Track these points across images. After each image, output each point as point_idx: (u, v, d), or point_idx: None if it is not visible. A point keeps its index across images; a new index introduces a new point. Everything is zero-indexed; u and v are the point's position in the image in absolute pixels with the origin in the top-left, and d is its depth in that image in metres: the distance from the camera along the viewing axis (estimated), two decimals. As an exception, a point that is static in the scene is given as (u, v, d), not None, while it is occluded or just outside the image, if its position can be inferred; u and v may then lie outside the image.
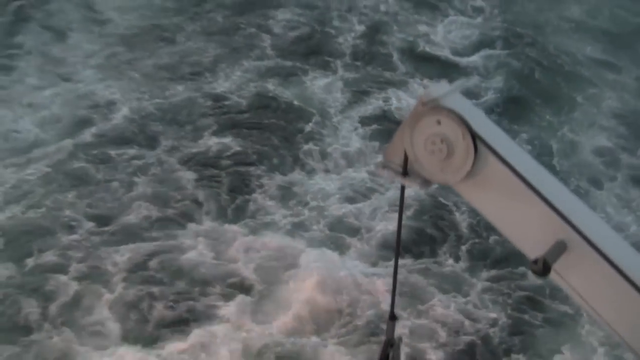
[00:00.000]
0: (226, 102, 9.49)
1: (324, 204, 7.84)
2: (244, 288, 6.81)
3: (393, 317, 3.04)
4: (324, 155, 8.64)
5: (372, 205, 7.92)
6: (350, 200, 7.98)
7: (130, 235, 7.27)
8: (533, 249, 2.39)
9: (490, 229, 7.11)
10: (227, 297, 6.69)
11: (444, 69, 10.96)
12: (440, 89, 2.55)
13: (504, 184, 2.44)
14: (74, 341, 6.19)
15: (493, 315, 6.68)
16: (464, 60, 11.25)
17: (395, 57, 11.20)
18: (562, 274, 2.39)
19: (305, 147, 8.77)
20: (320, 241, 7.43)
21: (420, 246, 7.46)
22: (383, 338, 3.02)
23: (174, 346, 6.24)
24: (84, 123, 8.87)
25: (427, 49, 11.63)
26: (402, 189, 2.76)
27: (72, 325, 6.32)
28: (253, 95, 9.68)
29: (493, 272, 7.20)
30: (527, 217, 2.43)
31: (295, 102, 9.67)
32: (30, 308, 6.44)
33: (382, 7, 12.92)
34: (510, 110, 10.04)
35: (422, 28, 12.34)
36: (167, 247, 7.19)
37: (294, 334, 6.41)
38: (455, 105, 2.46)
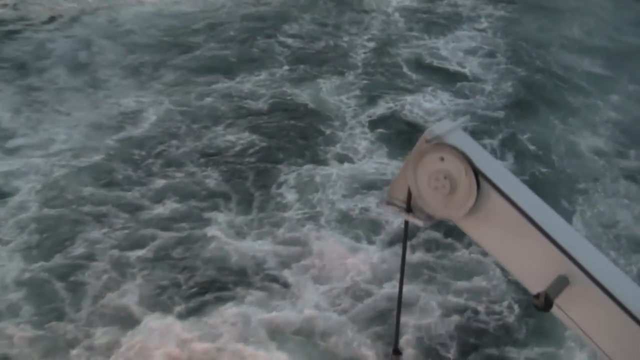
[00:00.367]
0: (245, 105, 10.11)
1: (338, 194, 8.37)
2: (266, 275, 7.21)
3: (397, 352, 3.08)
4: (338, 151, 9.23)
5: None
6: (363, 190, 8.53)
7: (158, 226, 7.75)
8: (535, 284, 2.41)
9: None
10: (250, 283, 7.09)
11: (451, 77, 11.64)
12: (443, 126, 2.59)
13: (506, 220, 2.46)
14: (103, 324, 6.55)
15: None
16: (470, 71, 11.93)
17: (404, 68, 11.88)
18: (564, 309, 2.40)
19: (321, 144, 9.35)
20: (339, 230, 7.87)
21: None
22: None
23: (201, 324, 6.57)
24: (113, 125, 9.48)
25: (435, 61, 12.31)
26: (406, 224, 2.77)
27: (102, 309, 6.70)
28: (270, 98, 10.32)
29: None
30: (529, 252, 2.45)
31: (311, 105, 10.30)
32: (63, 293, 6.83)
33: (391, 27, 13.68)
34: (515, 112, 10.66)
35: (430, 44, 13.06)
36: (193, 236, 7.64)
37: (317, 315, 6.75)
38: (457, 142, 2.50)
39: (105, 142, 9.07)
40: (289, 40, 12.40)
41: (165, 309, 6.71)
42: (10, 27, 12.21)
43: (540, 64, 12.69)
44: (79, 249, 7.36)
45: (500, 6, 15.09)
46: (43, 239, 7.47)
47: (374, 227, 7.91)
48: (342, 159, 9.13)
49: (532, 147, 9.83)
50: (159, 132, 9.41)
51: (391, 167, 8.97)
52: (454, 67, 12.12)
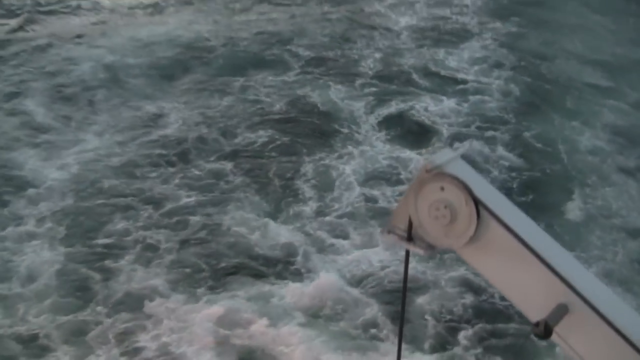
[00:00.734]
0: (262, 107, 10.75)
1: (354, 184, 8.92)
2: (286, 262, 7.62)
3: None
4: (352, 145, 9.82)
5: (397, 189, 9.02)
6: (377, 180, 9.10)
7: (183, 215, 8.22)
8: (535, 312, 2.42)
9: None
10: (273, 266, 7.51)
11: (458, 84, 12.20)
12: (443, 156, 2.63)
13: (506, 249, 2.47)
14: (131, 308, 6.91)
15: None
16: (476, 78, 12.49)
17: (412, 75, 12.45)
18: (564, 336, 2.41)
19: (336, 139, 9.94)
20: (357, 222, 8.34)
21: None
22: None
23: (223, 306, 6.93)
24: (138, 126, 10.10)
25: (442, 71, 12.87)
26: (407, 253, 2.79)
27: (129, 293, 7.08)
28: (286, 101, 10.95)
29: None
30: (529, 280, 2.46)
31: (323, 107, 10.91)
32: (92, 278, 7.23)
33: (399, 42, 14.31)
34: (521, 113, 11.25)
35: (437, 55, 13.62)
36: (216, 224, 8.12)
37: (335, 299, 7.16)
38: (457, 172, 2.53)
39: (131, 142, 9.65)
40: (301, 50, 13.02)
41: (191, 291, 7.13)
42: (40, 41, 12.94)
43: (545, 73, 13.26)
44: (106, 238, 7.83)
45: (504, 22, 15.65)
46: (72, 228, 7.94)
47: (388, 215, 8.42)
48: (356, 152, 9.68)
49: (537, 145, 10.38)
50: (181, 132, 9.99)
51: (402, 159, 9.58)
52: (460, 75, 12.68)
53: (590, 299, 2.38)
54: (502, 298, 6.91)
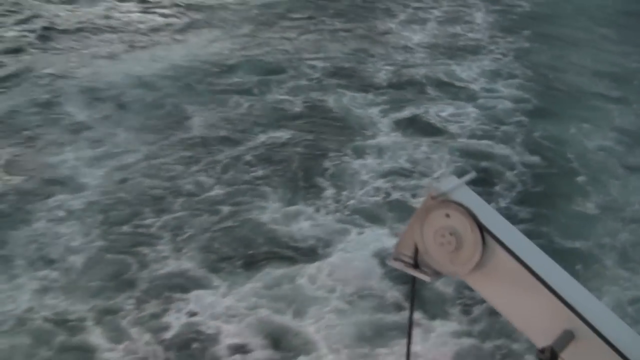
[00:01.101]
0: (281, 108, 11.35)
1: (374, 179, 9.35)
2: (310, 247, 7.95)
3: None
4: (370, 143, 10.30)
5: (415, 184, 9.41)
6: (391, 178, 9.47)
7: (212, 206, 8.61)
8: (541, 338, 2.43)
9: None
10: (297, 253, 7.81)
11: (470, 92, 12.64)
12: (448, 183, 2.64)
13: (512, 275, 2.47)
14: (164, 291, 7.14)
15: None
16: (488, 86, 12.92)
17: (425, 85, 12.87)
18: None
19: (354, 138, 10.38)
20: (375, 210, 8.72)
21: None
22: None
23: (252, 289, 7.21)
24: (165, 130, 10.59)
25: (455, 81, 13.34)
26: (413, 280, 2.78)
27: (163, 277, 7.32)
28: (304, 105, 11.53)
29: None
30: (534, 307, 2.46)
31: (340, 111, 11.42)
32: (127, 265, 7.48)
33: (412, 57, 14.80)
34: (532, 116, 11.70)
35: (449, 68, 14.07)
36: (244, 213, 8.47)
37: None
38: (463, 199, 2.54)
39: (159, 141, 10.15)
40: (317, 63, 13.57)
41: (221, 275, 7.42)
42: (70, 57, 13.59)
43: (555, 83, 13.65)
44: (139, 228, 8.14)
45: (515, 37, 16.14)
46: (106, 219, 8.27)
47: (406, 207, 8.79)
48: (374, 150, 10.15)
49: (549, 144, 10.76)
50: (206, 132, 10.50)
51: (416, 158, 10.02)
52: (472, 85, 13.08)
53: (597, 325, 2.38)
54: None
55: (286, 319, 6.84)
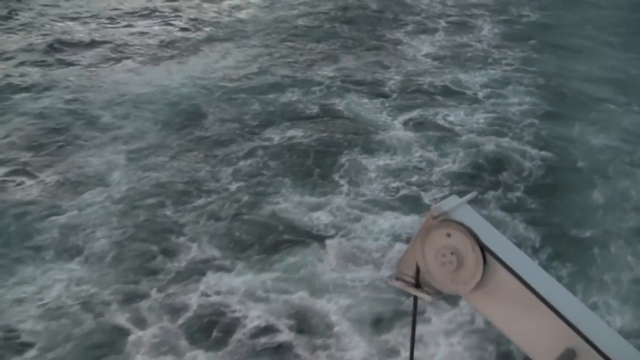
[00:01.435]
0: (293, 109, 11.93)
1: (381, 178, 9.75)
2: (326, 234, 8.31)
3: None
4: (381, 141, 10.76)
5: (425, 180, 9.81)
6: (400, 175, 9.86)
7: (231, 198, 9.06)
8: (542, 357, 2.44)
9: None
10: (314, 240, 8.19)
11: (478, 98, 13.02)
12: (449, 202, 2.62)
13: (513, 294, 2.47)
14: (187, 275, 7.54)
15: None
16: (496, 92, 13.26)
17: (433, 91, 13.22)
18: None
19: (367, 137, 10.85)
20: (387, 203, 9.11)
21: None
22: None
23: (272, 273, 7.58)
24: (184, 129, 11.17)
25: (462, 88, 13.63)
26: (415, 299, 2.78)
27: (187, 264, 7.74)
28: (316, 108, 12.03)
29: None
30: (536, 326, 2.46)
31: (351, 114, 11.90)
32: (151, 253, 7.87)
33: (421, 66, 15.23)
34: (539, 118, 12.08)
35: (457, 77, 14.35)
36: (261, 204, 8.92)
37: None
38: (464, 219, 2.53)
39: (178, 139, 10.73)
40: (327, 72, 14.03)
41: (242, 261, 7.80)
42: (99, 69, 14.20)
43: (562, 89, 13.89)
44: (163, 218, 8.59)
45: (521, 47, 16.50)
46: (130, 211, 8.73)
47: (417, 200, 9.19)
48: (385, 148, 10.61)
49: (556, 142, 11.13)
50: (223, 132, 11.01)
51: (425, 157, 10.41)
52: (480, 91, 13.46)
53: (598, 343, 2.39)
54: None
55: (306, 301, 7.17)
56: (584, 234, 8.62)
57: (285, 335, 6.75)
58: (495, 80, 14.14)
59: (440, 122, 11.72)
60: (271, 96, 12.56)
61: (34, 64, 13.99)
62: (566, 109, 12.95)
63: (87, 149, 10.37)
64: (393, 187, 9.45)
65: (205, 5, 19.32)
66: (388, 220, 8.58)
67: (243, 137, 10.86)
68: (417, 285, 2.68)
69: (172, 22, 17.50)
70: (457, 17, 18.89)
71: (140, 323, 6.84)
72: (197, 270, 7.63)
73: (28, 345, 6.50)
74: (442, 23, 18.19)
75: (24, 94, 12.40)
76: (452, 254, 2.52)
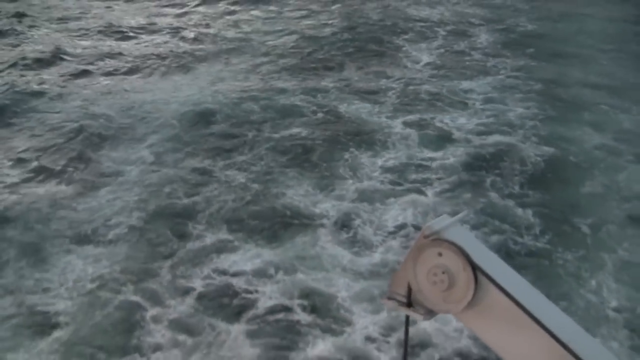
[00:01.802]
0: (297, 110, 12.50)
1: (381, 173, 10.23)
2: (329, 220, 8.80)
3: None
4: (383, 140, 11.27)
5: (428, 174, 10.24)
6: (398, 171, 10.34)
7: (240, 188, 9.61)
8: None
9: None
10: (320, 227, 8.64)
11: (476, 104, 13.36)
12: (441, 222, 2.63)
13: (505, 313, 2.47)
14: (199, 257, 8.01)
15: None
16: (495, 98, 13.62)
17: (432, 98, 13.60)
18: None
19: (369, 137, 11.33)
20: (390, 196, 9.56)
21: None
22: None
23: (280, 254, 8.04)
24: (194, 129, 11.75)
25: (461, 94, 13.95)
26: (407, 319, 2.79)
27: (199, 247, 8.22)
28: (318, 110, 12.60)
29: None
30: (528, 345, 2.45)
31: (351, 116, 12.40)
32: (166, 237, 8.37)
33: (419, 75, 15.60)
34: (539, 119, 12.54)
35: (455, 85, 14.70)
36: (271, 195, 9.45)
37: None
38: (455, 238, 2.54)
39: (189, 138, 11.33)
40: (328, 81, 14.57)
41: (252, 244, 8.27)
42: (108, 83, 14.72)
43: (559, 94, 14.20)
44: (177, 208, 9.10)
45: (518, 54, 16.86)
46: (146, 203, 9.23)
47: (419, 193, 9.62)
48: (387, 146, 11.10)
49: (554, 140, 11.49)
50: (231, 128, 11.69)
51: (425, 157, 10.85)
52: (478, 97, 13.85)
53: None
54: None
55: (313, 282, 7.56)
56: (582, 221, 9.00)
57: (297, 315, 7.15)
58: (495, 88, 14.53)
59: (439, 125, 12.09)
60: (276, 100, 13.04)
61: (51, 73, 14.66)
62: (563, 113, 13.30)
63: (103, 149, 10.91)
64: (394, 181, 9.87)
65: (209, 19, 19.98)
66: (389, 211, 8.99)
67: (250, 136, 11.38)
68: (409, 304, 2.68)
69: (180, 35, 18.12)
70: (455, 26, 19.38)
71: (154, 301, 7.27)
72: (209, 251, 8.10)
73: (57, 326, 6.93)
74: (441, 32, 18.71)
75: (43, 100, 13.09)
76: (443, 273, 2.54)
